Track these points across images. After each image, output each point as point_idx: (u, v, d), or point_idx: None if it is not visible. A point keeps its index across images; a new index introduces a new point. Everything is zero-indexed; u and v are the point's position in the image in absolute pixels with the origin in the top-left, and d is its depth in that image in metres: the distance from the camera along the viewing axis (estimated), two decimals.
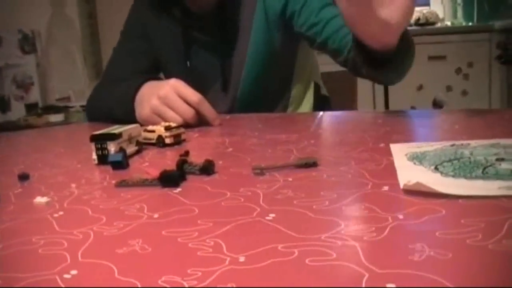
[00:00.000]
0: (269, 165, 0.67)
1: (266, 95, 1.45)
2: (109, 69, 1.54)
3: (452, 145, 0.72)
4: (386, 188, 0.56)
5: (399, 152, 0.71)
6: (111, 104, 1.25)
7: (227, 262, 0.39)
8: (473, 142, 0.72)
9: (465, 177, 0.57)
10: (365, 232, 0.43)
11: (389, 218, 0.46)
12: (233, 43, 1.40)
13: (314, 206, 0.51)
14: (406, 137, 0.84)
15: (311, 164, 0.67)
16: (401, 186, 0.55)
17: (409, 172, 0.61)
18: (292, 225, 0.46)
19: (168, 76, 1.44)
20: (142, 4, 1.51)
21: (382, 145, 0.78)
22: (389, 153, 0.72)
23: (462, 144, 0.72)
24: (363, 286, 0.34)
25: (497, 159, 0.62)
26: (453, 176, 0.58)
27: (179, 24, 1.42)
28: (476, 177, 0.57)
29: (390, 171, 0.63)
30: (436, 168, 0.62)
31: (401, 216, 0.47)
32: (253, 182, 0.62)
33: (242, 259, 0.39)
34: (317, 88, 1.67)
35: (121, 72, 1.46)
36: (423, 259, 0.37)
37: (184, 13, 1.41)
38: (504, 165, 0.60)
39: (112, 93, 1.29)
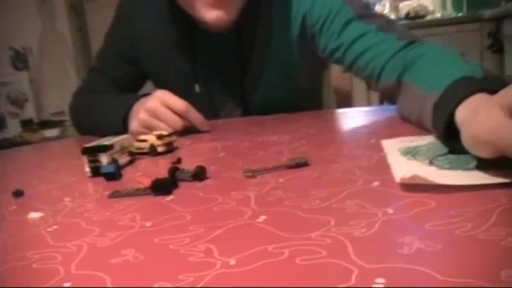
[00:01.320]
0: (260, 168, 0.67)
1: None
2: (91, 73, 1.50)
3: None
4: (376, 183, 0.56)
5: (392, 147, 0.71)
6: (100, 124, 1.24)
7: (218, 266, 0.39)
8: None
9: (462, 168, 0.57)
10: (355, 228, 0.43)
11: (379, 213, 0.46)
12: (248, 68, 1.28)
13: (304, 206, 0.51)
14: (397, 132, 0.84)
15: (301, 164, 0.67)
16: (397, 180, 0.54)
17: (404, 166, 0.61)
18: (283, 225, 0.46)
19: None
20: (132, 10, 1.37)
21: (373, 141, 0.78)
22: (380, 149, 0.72)
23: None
24: (352, 282, 0.34)
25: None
26: (449, 169, 0.58)
27: (181, 39, 1.30)
28: (473, 168, 0.57)
29: (381, 166, 0.63)
30: (431, 162, 0.61)
31: (391, 211, 0.47)
32: (245, 186, 0.62)
33: (233, 262, 0.39)
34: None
35: (102, 79, 1.43)
36: (412, 252, 0.38)
37: (188, 28, 1.28)
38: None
39: (100, 112, 1.27)
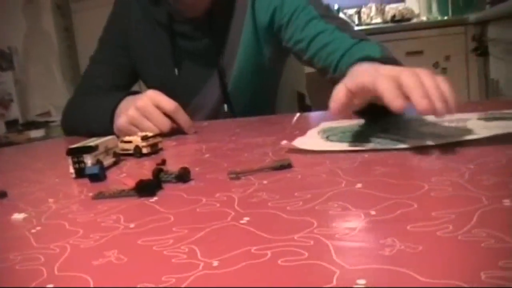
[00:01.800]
0: (244, 169, 0.67)
1: (252, 105, 1.43)
2: (86, 79, 1.52)
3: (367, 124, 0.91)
4: (359, 185, 0.57)
5: (319, 127, 0.92)
6: (89, 119, 1.25)
7: (200, 267, 0.39)
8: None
9: (345, 141, 0.78)
10: (337, 230, 0.44)
11: (362, 214, 0.47)
12: (221, 52, 1.38)
13: (288, 207, 0.51)
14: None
15: (286, 166, 0.67)
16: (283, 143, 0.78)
17: (303, 140, 0.82)
18: (266, 227, 0.46)
19: (150, 85, 1.43)
20: (123, 12, 1.48)
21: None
22: (363, 150, 0.73)
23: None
24: (334, 283, 0.34)
25: (382, 130, 0.82)
26: (336, 141, 0.79)
27: (165, 31, 1.40)
28: (351, 141, 0.78)
29: (364, 168, 0.64)
30: (327, 138, 0.82)
31: (373, 212, 0.47)
32: (229, 187, 0.62)
33: (215, 263, 0.40)
34: (301, 98, 1.69)
35: (98, 83, 1.45)
36: (394, 253, 0.38)
37: (170, 20, 1.38)
38: (382, 135, 0.79)
39: (89, 109, 1.29)
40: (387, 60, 0.92)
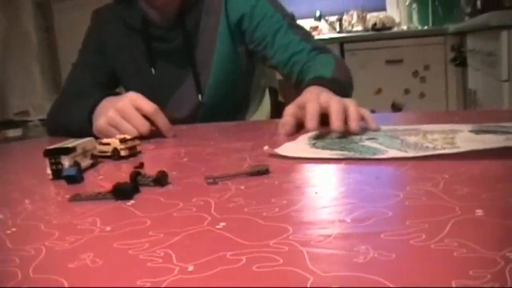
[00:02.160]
0: (222, 174, 0.68)
1: (228, 102, 1.50)
2: (68, 83, 1.54)
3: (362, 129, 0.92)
4: (335, 193, 0.57)
5: (308, 134, 0.94)
6: (70, 120, 1.25)
7: (175, 272, 0.39)
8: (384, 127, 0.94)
9: (328, 148, 0.80)
10: (312, 236, 0.44)
11: (337, 221, 0.47)
12: (197, 50, 1.44)
13: (264, 213, 0.52)
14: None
15: (263, 172, 0.68)
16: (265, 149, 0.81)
17: (288, 145, 0.86)
18: (242, 232, 0.47)
19: (129, 89, 1.44)
20: (99, 19, 1.54)
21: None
22: (342, 159, 0.74)
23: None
24: None
25: (368, 138, 0.85)
26: (321, 148, 0.81)
27: (139, 35, 1.45)
28: (333, 149, 0.79)
29: (341, 175, 0.65)
30: (314, 144, 0.85)
31: (348, 220, 0.48)
32: (206, 192, 0.62)
33: (190, 268, 0.40)
34: (275, 94, 1.72)
35: (79, 86, 1.48)
36: (367, 261, 0.38)
37: (144, 25, 1.44)
38: (367, 143, 0.82)
39: (70, 108, 1.29)
40: (334, 80, 1.14)
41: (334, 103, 0.92)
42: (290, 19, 1.42)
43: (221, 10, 1.42)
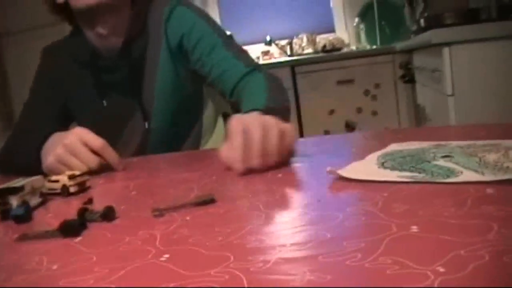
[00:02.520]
0: (168, 206, 0.68)
1: (177, 127, 1.51)
2: (20, 121, 1.53)
3: (437, 145, 0.86)
4: (278, 218, 0.59)
5: (384, 149, 0.88)
6: (20, 158, 1.24)
7: None
8: (454, 143, 0.86)
9: (397, 169, 0.73)
10: (252, 263, 0.45)
11: (277, 247, 0.49)
12: (142, 79, 1.45)
13: (207, 243, 0.53)
14: (306, 163, 0.88)
15: (208, 201, 0.69)
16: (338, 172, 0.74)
17: (354, 165, 0.80)
18: (185, 263, 0.48)
19: (82, 124, 1.44)
20: (49, 56, 1.54)
21: (279, 175, 0.81)
22: (285, 183, 0.75)
23: (443, 145, 0.85)
24: None
25: (443, 156, 0.77)
26: (390, 169, 0.75)
27: (88, 68, 1.46)
28: (403, 169, 0.73)
29: (283, 201, 0.66)
30: (382, 164, 0.78)
31: (288, 245, 0.49)
32: (152, 224, 0.63)
33: None
34: (228, 119, 1.74)
35: (31, 123, 1.46)
36: (303, 283, 0.40)
37: (92, 57, 1.44)
38: (441, 162, 0.74)
39: (20, 147, 1.29)
40: (268, 110, 1.05)
41: (254, 133, 0.87)
42: (226, 38, 1.45)
43: (162, 35, 1.43)
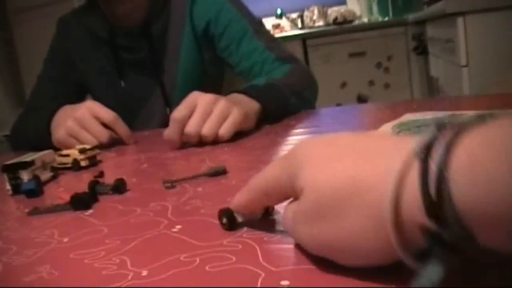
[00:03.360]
0: (179, 178, 0.68)
1: None
2: (32, 97, 1.52)
3: (451, 115, 0.81)
4: None
5: (398, 119, 0.86)
6: (30, 133, 1.24)
7: (129, 277, 0.39)
8: (470, 112, 0.81)
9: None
10: (265, 233, 0.45)
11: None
12: (163, 60, 1.41)
13: None
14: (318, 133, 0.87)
15: (220, 172, 0.68)
16: None
17: None
18: (197, 234, 0.47)
19: (97, 99, 1.42)
20: (65, 30, 1.50)
21: (291, 146, 0.80)
22: None
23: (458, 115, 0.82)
24: (259, 285, 0.35)
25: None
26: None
27: (106, 45, 1.42)
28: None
29: None
30: (398, 133, 0.76)
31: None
32: (164, 196, 0.62)
33: (144, 273, 0.40)
34: None
35: (43, 99, 1.45)
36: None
37: (111, 34, 1.40)
38: None
39: (30, 122, 1.28)
40: (260, 88, 1.10)
41: (199, 107, 0.93)
42: (257, 25, 1.39)
43: (186, 17, 1.39)
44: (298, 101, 1.18)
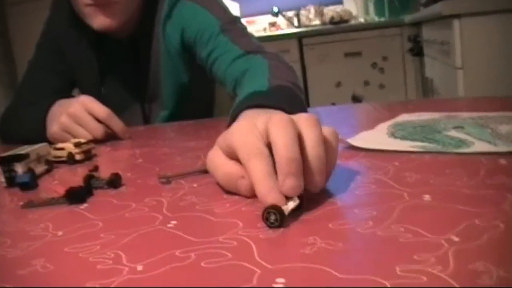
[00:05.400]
0: (175, 173, 0.68)
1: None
2: (22, 87, 1.49)
3: (447, 116, 0.85)
4: None
5: (391, 121, 0.87)
6: (24, 127, 1.23)
7: (125, 272, 0.39)
8: (465, 114, 0.85)
9: (408, 139, 0.73)
10: (261, 230, 0.45)
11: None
12: (147, 73, 1.37)
13: (215, 210, 0.52)
14: None
15: None
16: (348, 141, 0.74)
17: (364, 134, 0.80)
18: (192, 230, 0.47)
19: (83, 92, 1.41)
20: (55, 17, 1.47)
21: None
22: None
23: (454, 116, 0.84)
24: (254, 283, 0.35)
25: (454, 127, 0.76)
26: (400, 138, 0.74)
27: (93, 49, 1.39)
28: (414, 139, 0.72)
29: None
30: (393, 134, 0.77)
31: (298, 212, 0.48)
32: (159, 191, 0.62)
33: (140, 268, 0.40)
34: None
35: (34, 91, 1.43)
36: (314, 251, 0.39)
37: (98, 41, 1.37)
38: (452, 132, 0.74)
39: (24, 116, 1.27)
40: (272, 92, 0.86)
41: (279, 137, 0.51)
42: (227, 21, 1.29)
43: (161, 37, 1.34)
44: (302, 94, 1.03)
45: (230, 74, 1.17)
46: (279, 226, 0.45)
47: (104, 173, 0.73)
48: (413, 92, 4.00)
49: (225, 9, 1.34)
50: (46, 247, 0.49)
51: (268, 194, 0.48)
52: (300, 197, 0.48)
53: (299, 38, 4.22)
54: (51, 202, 0.64)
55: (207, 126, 1.15)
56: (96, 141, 1.03)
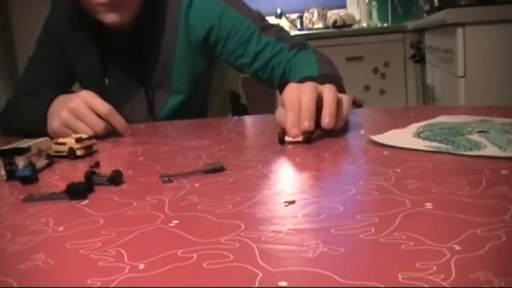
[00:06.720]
0: (176, 172, 0.68)
1: (186, 112, 1.41)
2: (23, 80, 1.49)
3: (481, 121, 0.86)
4: (286, 189, 0.58)
5: (430, 120, 0.90)
6: (24, 120, 1.23)
7: (126, 271, 0.39)
8: (499, 119, 0.86)
9: (429, 139, 0.75)
10: (263, 233, 0.45)
11: (288, 217, 0.48)
12: (154, 62, 1.37)
13: (217, 210, 0.52)
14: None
15: (218, 169, 0.68)
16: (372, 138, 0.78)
17: (394, 133, 0.83)
18: (194, 230, 0.47)
19: (84, 89, 1.41)
20: (58, 15, 1.46)
21: (290, 147, 0.80)
22: (295, 154, 0.74)
23: (488, 121, 0.85)
24: (256, 285, 0.35)
25: (480, 131, 0.77)
26: (422, 138, 0.76)
27: (94, 41, 1.38)
28: (433, 140, 0.74)
29: (293, 171, 0.65)
30: (419, 134, 0.80)
31: (300, 215, 0.48)
32: (160, 190, 0.62)
33: (141, 266, 0.40)
34: (236, 97, 1.70)
35: (35, 83, 1.42)
36: (316, 255, 0.39)
37: (100, 33, 1.36)
38: (474, 136, 0.75)
39: (25, 108, 1.26)
40: (323, 77, 1.05)
41: (327, 93, 0.86)
42: (261, 22, 1.35)
43: (180, 27, 1.34)
44: (341, 80, 1.20)
45: (281, 73, 1.31)
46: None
47: (105, 169, 0.73)
48: (414, 99, 4.00)
49: (249, 8, 1.39)
50: (47, 242, 0.49)
51: (292, 128, 0.83)
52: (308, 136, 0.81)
53: None
54: (51, 197, 0.64)
55: (208, 126, 1.15)
56: (96, 137, 1.03)
